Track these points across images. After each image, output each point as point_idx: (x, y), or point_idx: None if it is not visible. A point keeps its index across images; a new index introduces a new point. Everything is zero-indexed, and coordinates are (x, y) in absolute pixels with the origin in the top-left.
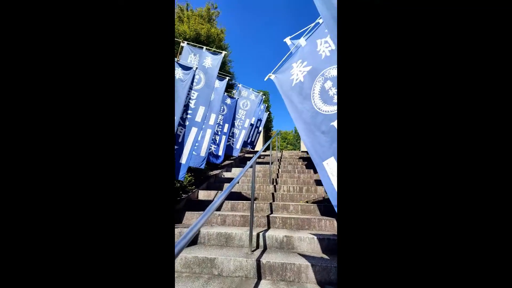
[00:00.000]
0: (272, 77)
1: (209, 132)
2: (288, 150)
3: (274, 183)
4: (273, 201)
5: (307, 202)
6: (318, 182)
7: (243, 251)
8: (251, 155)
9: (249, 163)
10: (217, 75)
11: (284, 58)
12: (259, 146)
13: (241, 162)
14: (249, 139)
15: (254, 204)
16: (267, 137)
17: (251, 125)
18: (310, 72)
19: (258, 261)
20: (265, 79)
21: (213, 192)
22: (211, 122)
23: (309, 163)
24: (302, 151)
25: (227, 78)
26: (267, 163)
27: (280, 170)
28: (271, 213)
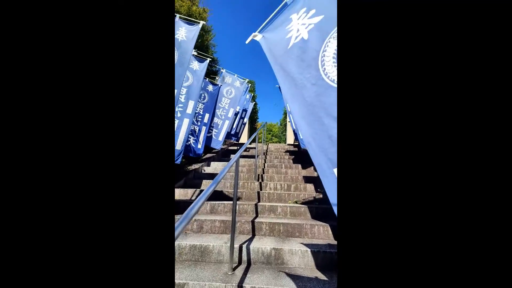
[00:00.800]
0: (258, 37)
1: (186, 121)
2: (273, 142)
3: (260, 180)
4: (259, 201)
5: (296, 202)
6: (308, 179)
7: (222, 270)
8: (235, 148)
9: (233, 158)
10: (198, 57)
11: (276, 10)
12: (244, 138)
13: (224, 155)
14: (234, 130)
15: (237, 206)
16: (252, 129)
17: (236, 115)
18: (319, 26)
19: (240, 287)
20: (247, 41)
21: (190, 191)
22: (189, 110)
23: (296, 157)
24: (288, 144)
25: (208, 60)
26: (252, 156)
27: (266, 164)
28: (257, 216)
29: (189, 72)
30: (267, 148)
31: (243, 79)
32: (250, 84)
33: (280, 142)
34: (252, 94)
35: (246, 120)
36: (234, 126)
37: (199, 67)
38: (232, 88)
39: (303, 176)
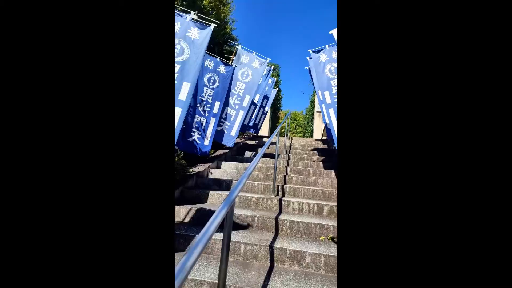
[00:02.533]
0: None
1: (177, 111)
2: (297, 135)
3: (280, 193)
4: (276, 234)
5: (333, 239)
6: None
7: None
8: (253, 142)
9: (247, 170)
10: (198, 21)
11: None
12: (264, 130)
13: (239, 152)
14: (252, 121)
15: (245, 245)
16: (274, 118)
17: (254, 104)
18: None
19: None
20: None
21: (185, 209)
22: (182, 96)
23: (327, 158)
24: (316, 139)
25: (212, 25)
26: (272, 155)
27: (288, 169)
28: (271, 270)
29: (185, 42)
30: (291, 143)
31: (264, 58)
32: (272, 67)
33: (305, 135)
34: (275, 79)
35: (267, 108)
36: (253, 116)
37: (199, 36)
38: (249, 69)
39: None
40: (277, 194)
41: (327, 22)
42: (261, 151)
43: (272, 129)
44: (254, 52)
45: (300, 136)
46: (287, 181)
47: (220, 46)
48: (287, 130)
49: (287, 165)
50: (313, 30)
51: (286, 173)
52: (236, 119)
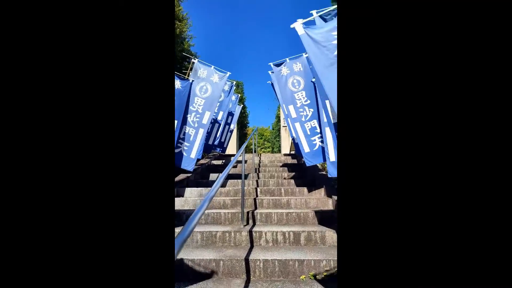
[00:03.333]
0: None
1: None
2: (267, 152)
3: (251, 222)
4: (248, 281)
5: (315, 277)
6: (323, 216)
7: None
8: (220, 163)
9: (209, 193)
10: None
11: None
12: (232, 148)
13: (203, 175)
14: (217, 140)
15: None
16: (242, 136)
17: (217, 122)
18: None
19: None
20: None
21: None
22: None
23: (298, 174)
24: (285, 154)
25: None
26: (239, 176)
27: (258, 190)
28: None
29: None
30: (260, 160)
31: (223, 72)
32: (234, 83)
33: (273, 150)
34: (239, 96)
35: (233, 126)
36: (218, 134)
37: (181, 86)
38: (208, 84)
39: (315, 212)
40: (247, 223)
41: (289, 34)
42: (223, 173)
43: (240, 146)
44: (213, 66)
45: (269, 151)
46: (257, 205)
47: (178, 63)
48: (255, 146)
49: (257, 185)
50: (276, 44)
51: (257, 195)
52: (196, 138)
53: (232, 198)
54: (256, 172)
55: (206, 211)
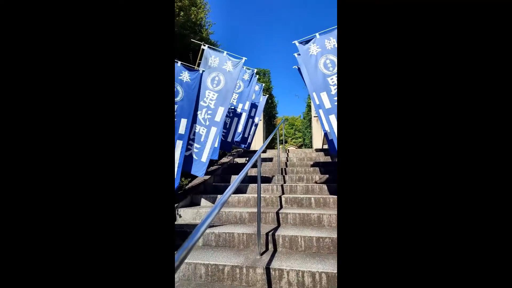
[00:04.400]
0: None
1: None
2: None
3: (271, 247)
4: None
5: None
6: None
7: None
8: (243, 160)
9: (209, 214)
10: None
11: None
12: (258, 144)
13: (223, 178)
14: (239, 136)
15: None
16: (270, 128)
17: (234, 114)
18: None
19: None
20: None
21: None
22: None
23: (331, 176)
24: (316, 150)
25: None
26: (265, 179)
27: (283, 199)
28: None
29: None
30: (287, 158)
31: (238, 58)
32: (255, 70)
33: (304, 141)
34: (265, 85)
35: (258, 119)
36: (240, 129)
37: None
38: (221, 74)
39: None
40: (266, 249)
41: (319, 18)
42: (232, 184)
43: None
44: (225, 52)
45: (300, 142)
46: (281, 221)
47: (196, 53)
48: (281, 139)
49: (282, 192)
50: (307, 24)
51: (281, 205)
52: (207, 139)
53: (251, 210)
54: (281, 173)
55: (217, 231)
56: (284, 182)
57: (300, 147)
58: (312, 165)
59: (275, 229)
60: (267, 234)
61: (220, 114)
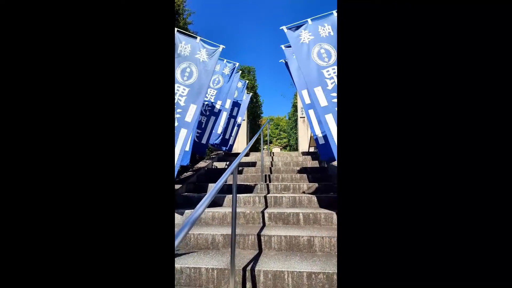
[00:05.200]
0: None
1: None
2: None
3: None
4: None
5: None
6: None
7: None
8: (223, 165)
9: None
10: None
11: None
12: (241, 145)
13: (197, 186)
14: (219, 138)
15: None
16: (254, 128)
17: (211, 113)
18: None
19: None
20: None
21: None
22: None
23: (321, 185)
24: (303, 153)
25: None
26: (246, 188)
27: (266, 215)
28: None
29: None
30: (272, 162)
31: (215, 45)
32: (237, 64)
33: (289, 141)
34: (249, 83)
35: (241, 118)
36: (220, 130)
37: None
38: (193, 65)
39: None
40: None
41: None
42: (209, 193)
43: (252, 140)
44: (199, 38)
45: (284, 143)
46: (263, 247)
47: None
48: (263, 142)
49: (266, 205)
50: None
51: (263, 223)
52: (176, 143)
53: (226, 232)
54: (265, 181)
55: (179, 264)
56: (268, 192)
57: (285, 147)
58: (299, 171)
59: (256, 258)
60: (244, 269)
61: (192, 113)
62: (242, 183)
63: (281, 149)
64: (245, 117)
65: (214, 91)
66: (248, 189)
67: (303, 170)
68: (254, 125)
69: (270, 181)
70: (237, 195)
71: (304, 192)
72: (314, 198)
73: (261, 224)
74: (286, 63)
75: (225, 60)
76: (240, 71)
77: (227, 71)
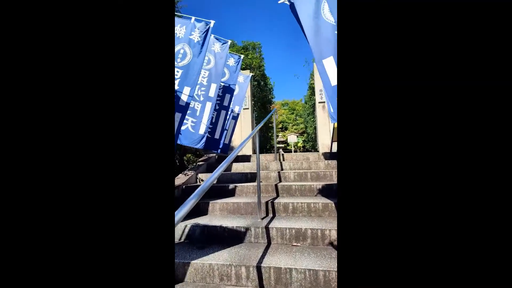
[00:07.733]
0: None
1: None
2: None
3: None
4: None
5: None
6: None
7: None
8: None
9: None
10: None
11: None
12: (241, 140)
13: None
14: (202, 138)
15: None
16: (262, 118)
17: (180, 106)
18: None
19: None
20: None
21: None
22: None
23: None
24: (325, 155)
25: None
26: (227, 231)
27: None
28: None
29: None
30: (280, 170)
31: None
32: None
33: (307, 130)
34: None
35: (238, 108)
36: (203, 128)
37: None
38: (186, 46)
39: None
40: None
41: None
42: None
43: (258, 137)
44: (193, 18)
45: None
46: None
47: None
48: (260, 143)
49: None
50: None
51: None
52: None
53: None
54: (266, 214)
55: None
56: (269, 245)
57: (302, 134)
58: (321, 191)
59: None
60: None
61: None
62: (227, 227)
63: (297, 136)
64: (249, 105)
65: (178, 73)
66: (235, 238)
67: (328, 190)
68: (263, 113)
69: (274, 215)
70: (202, 257)
71: (332, 245)
72: None
73: None
74: (290, 5)
75: (193, 18)
76: (234, 46)
77: (196, 36)
